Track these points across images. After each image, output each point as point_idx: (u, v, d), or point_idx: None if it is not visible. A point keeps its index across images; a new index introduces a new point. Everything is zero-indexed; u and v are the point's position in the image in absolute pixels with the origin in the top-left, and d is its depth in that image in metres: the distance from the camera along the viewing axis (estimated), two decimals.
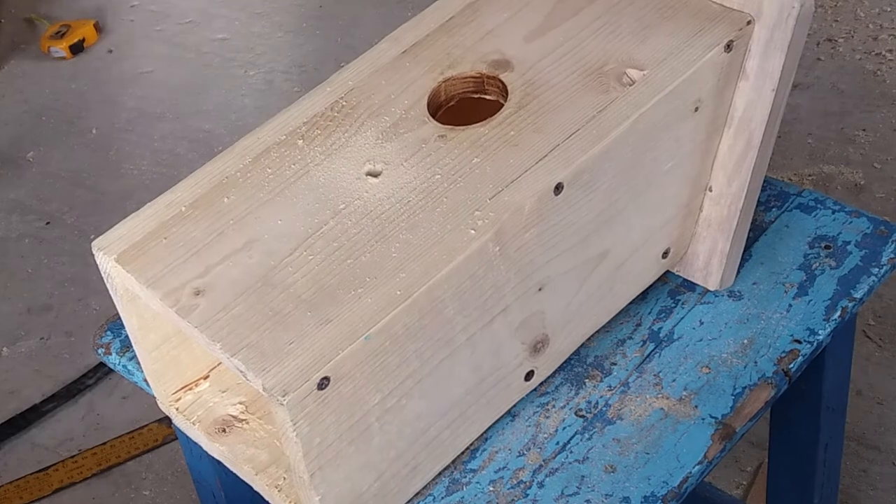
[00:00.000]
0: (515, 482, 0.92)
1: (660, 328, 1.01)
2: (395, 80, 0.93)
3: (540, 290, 0.89)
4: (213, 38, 2.74)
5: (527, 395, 0.96)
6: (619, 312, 1.01)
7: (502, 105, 0.90)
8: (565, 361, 0.98)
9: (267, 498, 0.90)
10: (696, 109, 0.92)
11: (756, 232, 1.07)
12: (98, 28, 2.77)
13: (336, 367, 0.76)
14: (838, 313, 1.01)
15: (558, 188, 0.84)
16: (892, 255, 1.04)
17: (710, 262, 1.02)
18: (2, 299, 2.17)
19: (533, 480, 0.92)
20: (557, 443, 0.94)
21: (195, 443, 0.97)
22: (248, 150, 0.90)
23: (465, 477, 0.93)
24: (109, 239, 0.86)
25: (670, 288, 1.05)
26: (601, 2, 0.96)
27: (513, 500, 0.91)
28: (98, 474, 1.87)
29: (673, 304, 1.03)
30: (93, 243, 0.86)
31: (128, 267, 0.83)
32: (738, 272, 1.04)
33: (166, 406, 0.96)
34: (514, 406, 0.96)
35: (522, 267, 0.86)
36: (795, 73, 0.93)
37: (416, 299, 0.79)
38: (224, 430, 0.93)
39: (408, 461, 0.87)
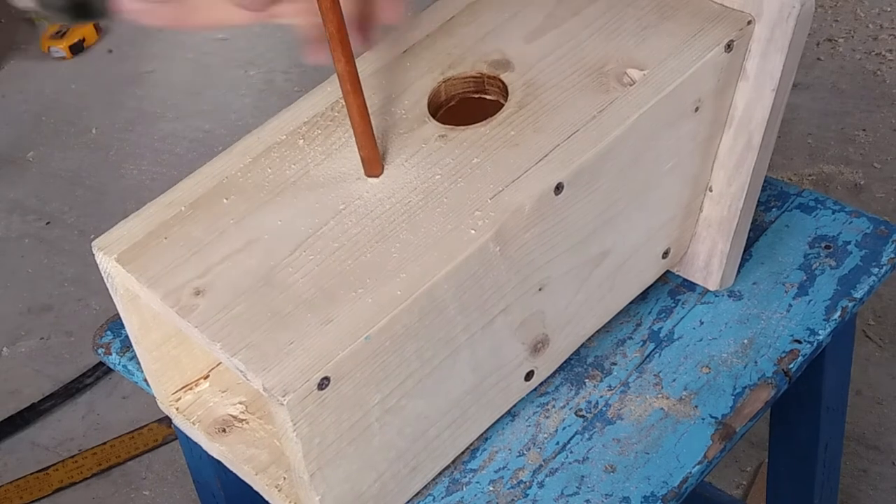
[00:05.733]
0: (515, 482, 0.92)
1: (660, 328, 1.01)
2: (395, 80, 0.93)
3: (540, 290, 0.89)
4: (213, 38, 2.74)
5: (527, 395, 0.96)
6: (619, 312, 1.01)
7: (502, 105, 0.90)
8: (565, 361, 0.98)
9: (267, 498, 0.90)
10: (697, 109, 0.92)
11: (756, 232, 1.08)
12: (98, 28, 2.77)
13: (336, 367, 0.76)
14: (838, 313, 1.01)
15: (559, 188, 0.84)
16: (893, 255, 1.05)
17: (710, 262, 1.02)
18: (2, 299, 2.17)
19: (533, 480, 0.92)
20: (557, 443, 0.94)
21: (195, 443, 0.97)
22: (249, 150, 0.90)
23: (465, 477, 0.93)
24: (110, 239, 0.86)
25: (670, 288, 1.05)
26: (601, 2, 0.96)
27: (513, 499, 0.91)
28: (98, 474, 1.87)
29: (673, 304, 1.03)
30: (93, 243, 0.86)
31: (128, 266, 0.83)
32: (739, 272, 1.04)
33: (166, 406, 0.96)
34: (514, 406, 0.96)
35: (523, 267, 0.86)
36: (795, 73, 0.93)
37: (416, 299, 0.79)
38: (224, 430, 0.93)
39: (408, 461, 0.87)
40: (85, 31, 2.72)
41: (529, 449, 0.94)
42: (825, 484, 1.25)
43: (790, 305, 1.02)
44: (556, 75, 0.91)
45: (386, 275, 0.80)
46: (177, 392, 0.95)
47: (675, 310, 1.03)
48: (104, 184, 2.38)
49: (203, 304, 0.80)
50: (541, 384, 0.97)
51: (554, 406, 0.97)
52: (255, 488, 0.91)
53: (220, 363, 0.95)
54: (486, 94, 0.93)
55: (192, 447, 1.10)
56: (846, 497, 1.69)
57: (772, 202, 1.11)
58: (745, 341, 0.99)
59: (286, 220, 0.84)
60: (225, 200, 0.87)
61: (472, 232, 0.82)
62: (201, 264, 0.83)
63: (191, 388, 0.96)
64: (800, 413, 1.18)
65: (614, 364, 0.99)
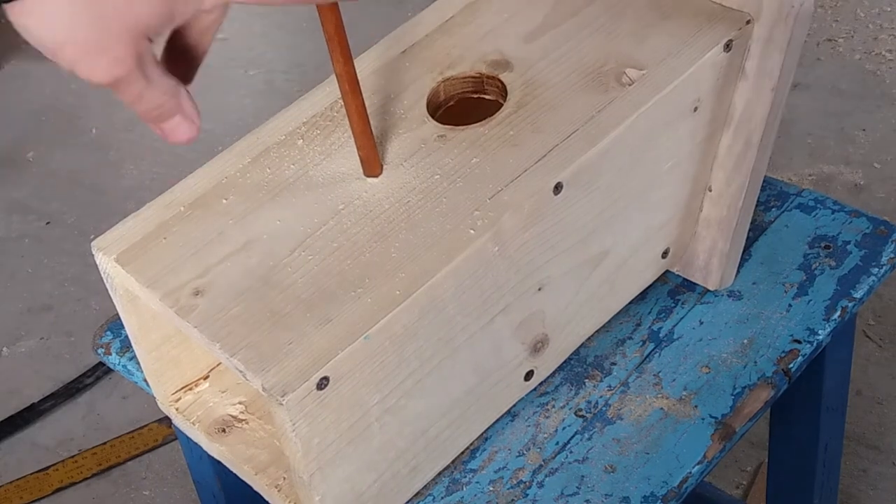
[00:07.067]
0: (515, 482, 0.92)
1: (659, 328, 1.01)
2: (395, 80, 0.93)
3: (540, 289, 0.89)
4: (213, 38, 2.74)
5: (526, 395, 0.96)
6: (619, 312, 1.01)
7: (501, 105, 0.90)
8: (565, 361, 0.98)
9: (267, 498, 0.90)
10: (696, 109, 0.92)
11: (756, 232, 1.07)
12: None
13: (335, 367, 0.76)
14: (838, 313, 1.01)
15: (558, 188, 0.84)
16: (892, 255, 1.04)
17: (709, 261, 1.02)
18: (2, 299, 2.17)
19: (533, 480, 0.92)
20: (557, 443, 0.94)
21: (195, 443, 0.97)
22: (248, 151, 0.90)
23: (465, 477, 0.93)
24: (109, 239, 0.86)
25: (670, 288, 1.05)
26: (600, 2, 0.96)
27: (512, 499, 0.91)
28: (98, 474, 1.87)
29: (673, 304, 1.03)
30: (92, 243, 0.86)
31: (127, 267, 0.83)
32: (738, 272, 1.04)
33: (166, 406, 0.96)
34: (514, 406, 0.96)
35: (522, 266, 0.86)
36: (795, 73, 0.93)
37: (415, 299, 0.79)
38: (224, 430, 0.93)
39: (408, 461, 0.87)
40: None
41: (529, 449, 0.94)
42: (825, 484, 1.25)
43: (790, 305, 1.02)
44: (555, 75, 0.91)
45: (385, 274, 0.80)
46: (177, 392, 0.95)
47: (675, 310, 1.03)
48: (104, 184, 2.38)
49: (202, 304, 0.80)
50: (541, 384, 0.97)
51: (554, 406, 0.97)
52: (255, 488, 0.91)
53: (220, 363, 0.95)
54: (485, 94, 0.93)
55: (192, 447, 1.10)
56: (846, 497, 1.69)
57: (771, 202, 1.11)
58: (745, 341, 0.99)
59: (285, 221, 0.84)
60: (224, 201, 0.87)
61: (472, 232, 0.82)
62: (200, 264, 0.83)
63: (191, 389, 0.96)
64: (800, 413, 1.17)
65: (614, 364, 0.99)
